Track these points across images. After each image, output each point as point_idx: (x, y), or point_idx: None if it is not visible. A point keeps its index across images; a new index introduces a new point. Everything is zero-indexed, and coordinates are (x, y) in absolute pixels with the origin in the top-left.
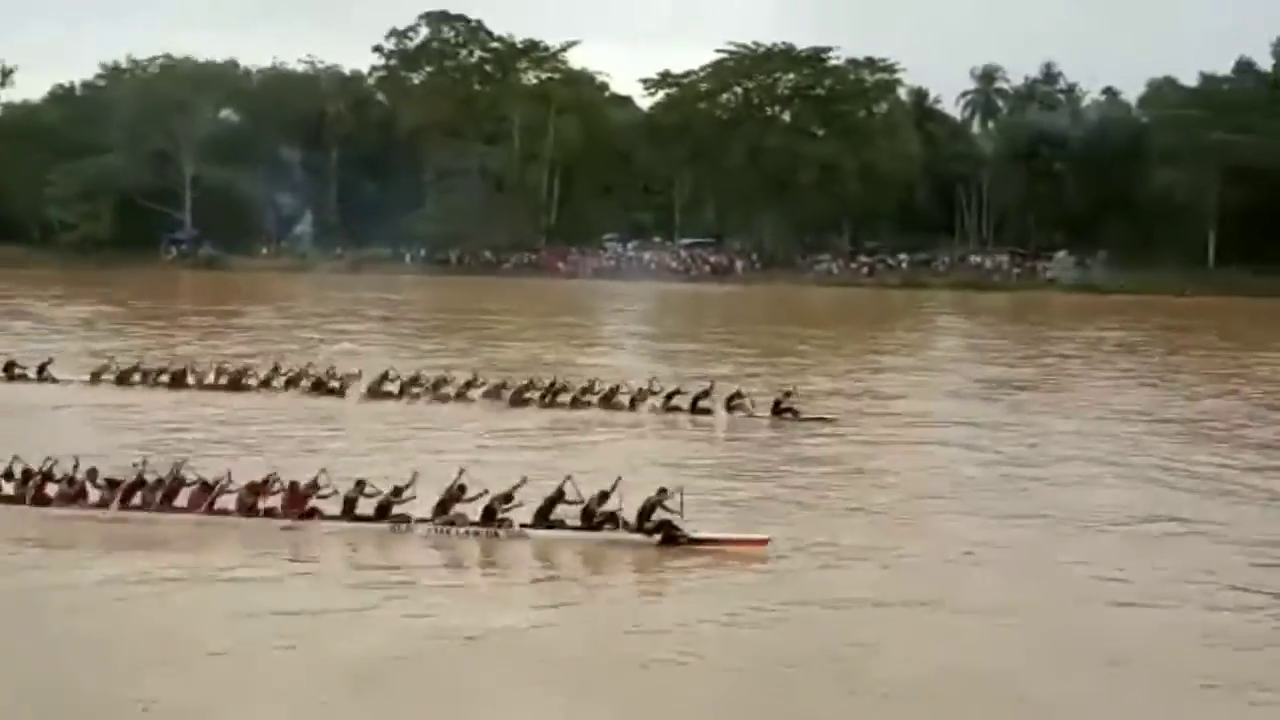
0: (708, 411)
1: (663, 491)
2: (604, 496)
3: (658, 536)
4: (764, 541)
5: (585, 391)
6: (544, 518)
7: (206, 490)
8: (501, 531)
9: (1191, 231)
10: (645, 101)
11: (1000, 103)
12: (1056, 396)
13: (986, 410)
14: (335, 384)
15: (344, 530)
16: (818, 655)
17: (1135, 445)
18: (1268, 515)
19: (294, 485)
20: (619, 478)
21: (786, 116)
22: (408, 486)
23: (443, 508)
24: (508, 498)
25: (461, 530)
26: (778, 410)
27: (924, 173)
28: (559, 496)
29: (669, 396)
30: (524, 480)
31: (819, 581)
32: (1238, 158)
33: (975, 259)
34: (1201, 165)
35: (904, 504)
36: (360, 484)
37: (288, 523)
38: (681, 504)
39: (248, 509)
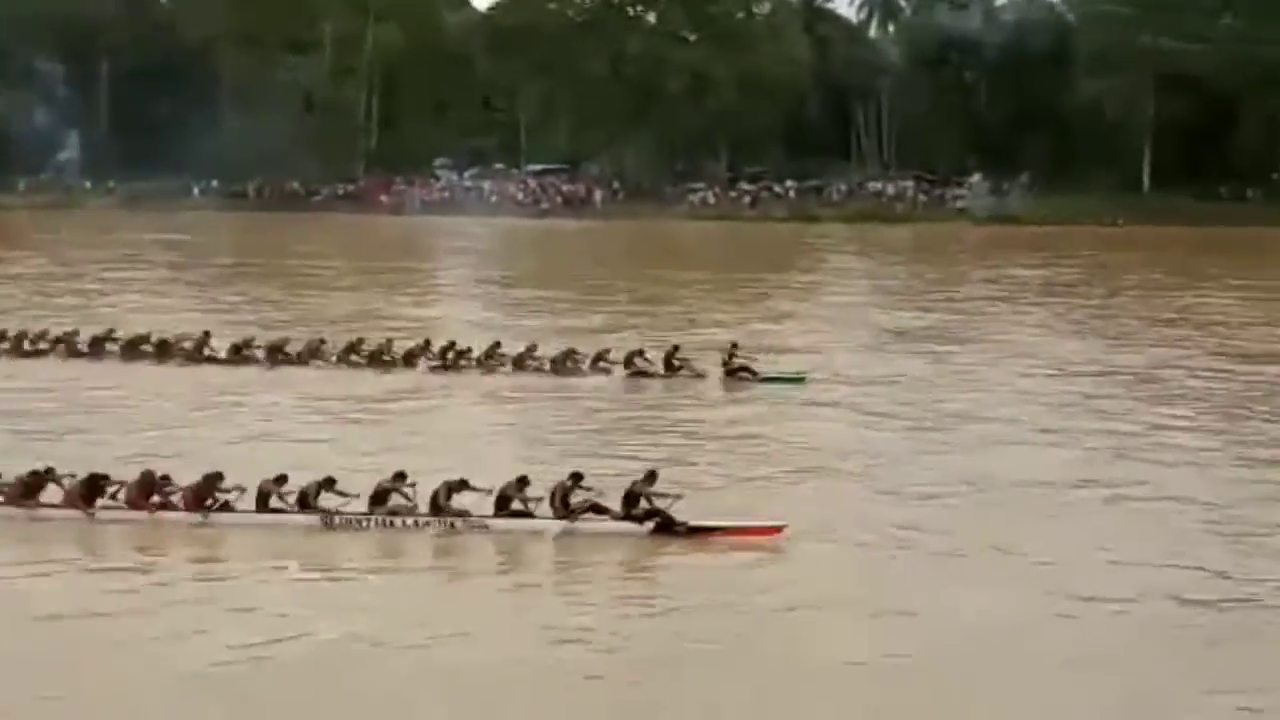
0: (644, 374)
1: (651, 475)
2: (577, 477)
3: (649, 525)
4: (779, 529)
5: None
6: (505, 506)
7: (93, 486)
8: (458, 522)
9: (1124, 150)
10: (483, 1)
11: (903, 2)
12: (983, 348)
13: (905, 364)
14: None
15: (260, 525)
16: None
17: (1079, 403)
18: (1233, 483)
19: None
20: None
21: (651, 17)
22: (353, 497)
23: (379, 498)
24: (462, 484)
25: (409, 522)
26: (731, 370)
27: (814, 84)
28: (521, 483)
29: (596, 359)
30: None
31: (742, 571)
32: (1176, 65)
33: (875, 186)
34: (1135, 74)
35: (826, 478)
36: (281, 477)
37: (194, 519)
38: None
39: (138, 505)
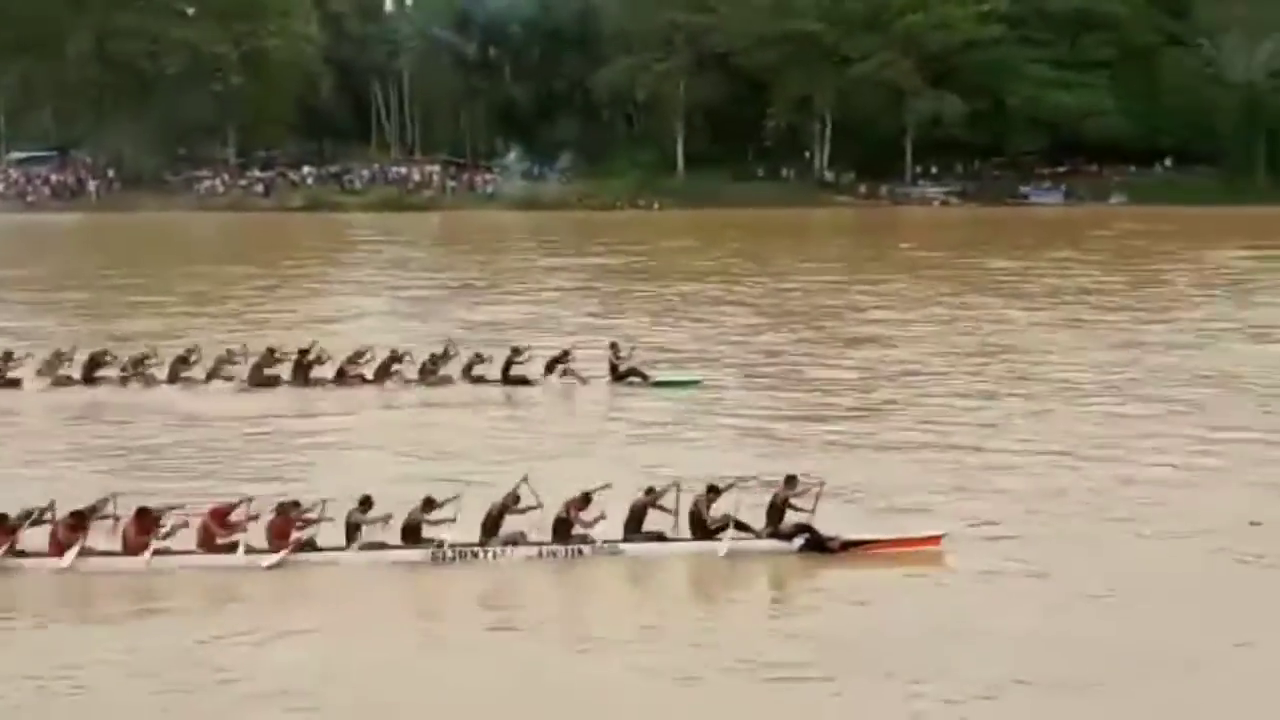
0: (525, 381)
1: (791, 480)
2: (713, 492)
3: (798, 542)
4: (936, 539)
5: (352, 361)
6: (637, 528)
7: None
8: (586, 549)
9: (657, 132)
10: None
11: None
12: (588, 339)
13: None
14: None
15: (355, 563)
16: None
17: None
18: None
19: (281, 508)
20: (733, 483)
21: None
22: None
23: (491, 525)
24: (585, 499)
25: (530, 552)
26: (619, 375)
27: (329, 64)
28: (651, 501)
29: (469, 366)
30: (606, 486)
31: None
32: (706, 45)
33: (399, 171)
34: (665, 54)
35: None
36: (365, 501)
37: (273, 559)
38: (816, 499)
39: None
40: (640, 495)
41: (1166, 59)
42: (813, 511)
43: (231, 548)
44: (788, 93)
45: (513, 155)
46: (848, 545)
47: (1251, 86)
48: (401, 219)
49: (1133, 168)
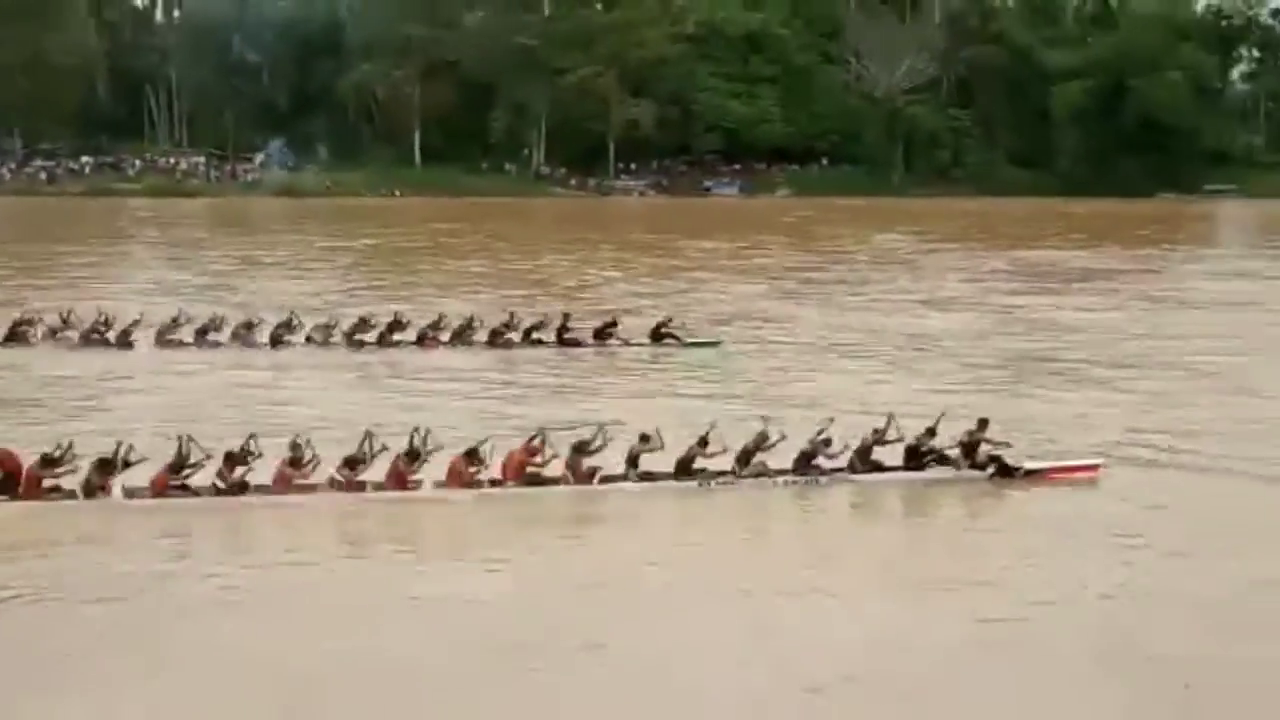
0: (575, 343)
1: (983, 423)
2: (930, 433)
3: (990, 470)
4: (1095, 468)
5: (433, 327)
6: (864, 460)
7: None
8: (823, 478)
9: (397, 130)
10: None
11: None
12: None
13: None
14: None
15: (638, 491)
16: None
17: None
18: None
19: (576, 447)
20: (941, 413)
21: None
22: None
23: (745, 458)
24: (827, 442)
25: (771, 481)
26: (658, 336)
27: (106, 67)
28: (880, 437)
29: (529, 331)
30: (831, 421)
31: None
32: (437, 55)
33: (168, 161)
34: (401, 62)
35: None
36: (644, 437)
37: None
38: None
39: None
40: (869, 434)
41: (822, 76)
42: (1007, 445)
43: (536, 478)
44: (509, 99)
45: (273, 147)
46: (1029, 473)
47: (891, 100)
48: (173, 204)
49: (795, 166)
